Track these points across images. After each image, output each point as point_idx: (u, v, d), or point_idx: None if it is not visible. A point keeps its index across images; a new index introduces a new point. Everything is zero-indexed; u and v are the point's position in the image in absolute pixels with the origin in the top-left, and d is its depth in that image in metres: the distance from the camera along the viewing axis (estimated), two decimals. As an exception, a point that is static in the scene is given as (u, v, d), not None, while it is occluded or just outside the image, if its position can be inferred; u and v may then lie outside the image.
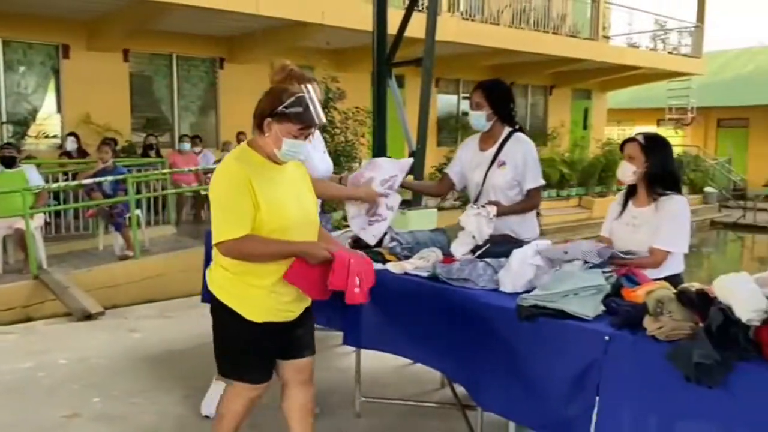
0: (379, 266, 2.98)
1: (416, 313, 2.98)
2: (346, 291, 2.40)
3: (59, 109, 11.11)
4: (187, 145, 10.60)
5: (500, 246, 3.08)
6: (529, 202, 3.55)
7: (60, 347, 4.95)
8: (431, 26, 6.15)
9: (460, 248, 3.19)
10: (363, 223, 3.47)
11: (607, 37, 17.81)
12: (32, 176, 7.24)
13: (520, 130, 3.59)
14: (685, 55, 18.95)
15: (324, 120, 2.46)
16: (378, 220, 3.38)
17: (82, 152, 10.05)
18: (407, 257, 3.24)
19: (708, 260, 14.36)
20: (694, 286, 2.27)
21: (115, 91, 11.37)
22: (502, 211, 3.34)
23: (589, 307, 2.39)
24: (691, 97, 21.00)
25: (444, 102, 16.41)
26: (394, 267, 3.11)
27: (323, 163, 3.43)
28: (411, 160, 3.71)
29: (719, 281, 2.15)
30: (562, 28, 15.80)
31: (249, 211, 2.33)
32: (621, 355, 2.22)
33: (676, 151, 19.57)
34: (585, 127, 19.65)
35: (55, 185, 8.09)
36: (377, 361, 3.81)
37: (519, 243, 3.05)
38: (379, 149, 6.74)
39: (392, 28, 6.58)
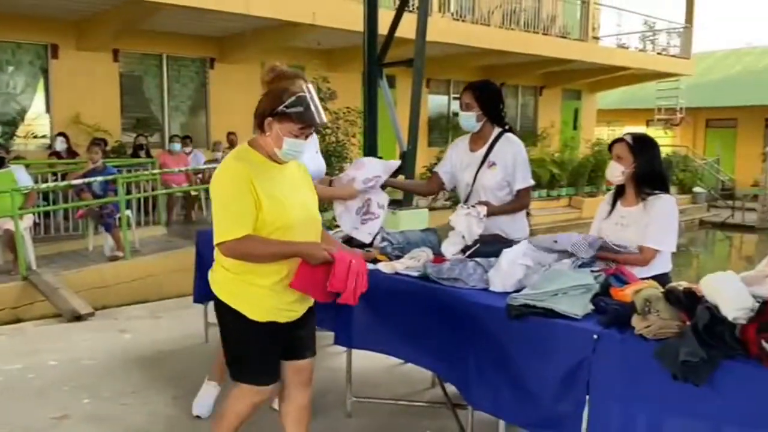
0: (370, 266, 2.99)
1: (407, 312, 2.99)
2: (344, 292, 2.39)
3: (48, 109, 11.04)
4: (177, 146, 10.56)
5: (490, 246, 3.11)
6: (518, 202, 3.57)
7: (50, 348, 4.93)
8: (422, 27, 6.17)
9: (450, 248, 3.21)
10: (355, 223, 3.50)
11: (596, 38, 17.90)
12: (21, 177, 7.20)
13: (510, 130, 3.61)
14: (674, 56, 19.07)
15: (325, 119, 2.46)
16: (371, 218, 3.44)
17: (71, 152, 10.00)
18: (398, 257, 3.26)
19: (697, 259, 14.46)
20: (681, 285, 2.30)
21: (105, 91, 11.32)
22: (492, 211, 3.37)
23: (578, 306, 2.42)
24: (680, 97, 21.14)
25: (435, 102, 16.43)
26: (385, 267, 3.13)
27: (312, 163, 3.44)
28: (397, 162, 3.74)
29: (706, 280, 2.18)
30: (552, 29, 15.87)
31: (250, 211, 2.33)
32: (609, 353, 2.24)
33: (666, 151, 19.73)
34: (575, 128, 19.75)
35: (44, 186, 8.05)
36: (368, 360, 3.82)
37: (509, 243, 3.08)
38: (370, 149, 6.74)
39: (383, 28, 6.59)
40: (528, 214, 3.70)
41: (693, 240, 16.53)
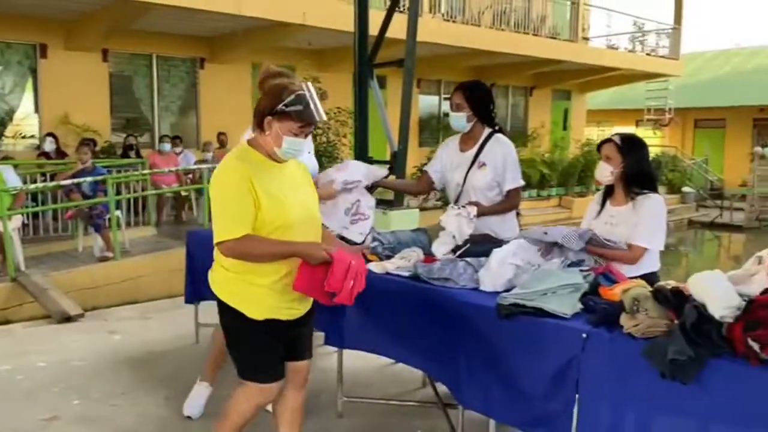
0: (361, 266, 3.00)
1: (398, 312, 3.00)
2: (340, 292, 2.37)
3: (37, 109, 10.97)
4: (167, 146, 10.52)
5: (480, 246, 3.12)
6: (508, 202, 3.59)
7: (39, 349, 4.90)
8: (412, 27, 6.19)
9: (440, 248, 3.23)
10: (344, 222, 3.53)
11: (586, 39, 17.97)
12: (9, 177, 7.15)
13: (500, 131, 3.62)
14: (663, 56, 19.19)
15: (324, 117, 2.46)
16: (361, 218, 3.48)
17: (60, 153, 9.94)
18: (389, 257, 3.27)
19: (686, 259, 14.55)
20: (669, 284, 2.32)
21: (95, 92, 11.26)
22: (483, 212, 3.38)
23: (567, 306, 2.43)
24: (669, 98, 21.26)
25: (425, 103, 16.45)
26: (375, 267, 3.14)
27: (308, 164, 3.46)
28: (384, 172, 3.74)
29: (694, 279, 2.20)
30: (542, 30, 15.92)
31: (249, 211, 2.33)
32: (598, 352, 2.26)
33: (655, 151, 19.86)
34: (565, 128, 19.83)
35: (32, 186, 8.00)
36: (359, 360, 3.83)
37: (499, 243, 3.09)
38: (361, 150, 6.76)
39: (373, 28, 6.60)
40: (518, 214, 3.72)
41: (682, 239, 16.63)
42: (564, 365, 2.34)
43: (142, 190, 9.32)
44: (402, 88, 6.35)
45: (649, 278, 2.75)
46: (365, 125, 6.77)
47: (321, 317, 3.20)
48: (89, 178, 7.78)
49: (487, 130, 3.58)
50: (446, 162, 3.72)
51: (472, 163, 3.55)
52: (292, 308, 2.51)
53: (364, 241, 3.47)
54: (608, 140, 3.13)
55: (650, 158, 3.34)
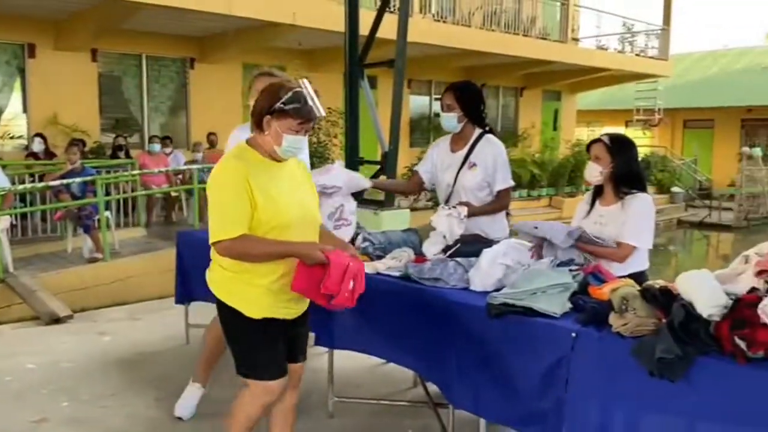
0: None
1: (388, 312, 3.01)
2: (338, 295, 2.36)
3: (25, 110, 10.89)
4: (157, 146, 10.47)
5: (470, 246, 3.14)
6: (498, 202, 3.60)
7: (28, 351, 4.87)
8: (403, 27, 6.20)
9: (431, 248, 3.24)
10: (328, 228, 3.53)
11: (576, 40, 18.05)
12: (-3, 178, 7.11)
13: (491, 131, 3.64)
14: (652, 57, 19.30)
15: (323, 112, 2.45)
16: (344, 224, 3.50)
17: (49, 153, 9.88)
18: (380, 257, 3.28)
19: (675, 258, 14.65)
20: (657, 283, 2.34)
21: (84, 92, 11.20)
22: (473, 212, 3.40)
23: (557, 305, 2.45)
24: (658, 98, 21.39)
25: (416, 103, 16.47)
26: (366, 267, 3.13)
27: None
28: (367, 183, 3.70)
29: (681, 278, 2.22)
30: (532, 31, 15.97)
31: (245, 211, 2.33)
32: (588, 351, 2.28)
33: (644, 151, 19.98)
34: (555, 128, 19.90)
35: (21, 187, 7.94)
36: (350, 361, 3.83)
37: (489, 243, 3.10)
38: (352, 150, 6.76)
39: (364, 29, 6.60)
40: (508, 214, 3.74)
41: (671, 239, 16.74)
42: (554, 364, 2.35)
43: (132, 190, 9.27)
44: (393, 88, 6.36)
45: (638, 277, 2.77)
46: (356, 125, 6.77)
47: (312, 318, 3.21)
48: (78, 179, 7.74)
49: (478, 131, 3.60)
50: (437, 162, 3.73)
51: (463, 163, 3.57)
52: (289, 308, 2.51)
53: (353, 242, 3.47)
54: (597, 140, 3.15)
55: (639, 158, 3.36)
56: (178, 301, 4.61)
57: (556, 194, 15.93)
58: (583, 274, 2.64)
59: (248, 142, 2.48)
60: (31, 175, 8.87)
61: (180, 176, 10.22)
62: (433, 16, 13.87)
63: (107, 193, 8.37)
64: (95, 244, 7.68)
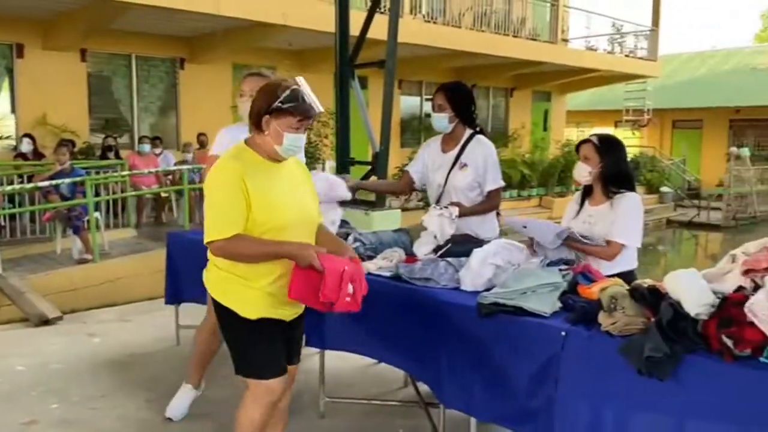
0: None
1: (379, 312, 3.01)
2: (338, 301, 2.34)
3: (13, 110, 10.81)
4: (146, 147, 10.43)
5: (461, 246, 3.15)
6: (489, 203, 3.62)
7: (17, 353, 4.84)
8: (393, 28, 6.20)
9: (422, 248, 3.26)
10: None
11: (565, 40, 18.12)
12: (-14, 179, 7.07)
13: (481, 132, 3.66)
14: (641, 58, 19.41)
15: (321, 108, 2.44)
16: None
17: (38, 154, 9.82)
18: (371, 257, 3.28)
19: (664, 257, 14.75)
20: (646, 282, 2.36)
21: (73, 92, 11.13)
22: (464, 212, 3.42)
23: (547, 304, 2.47)
24: (647, 99, 21.51)
25: (407, 103, 16.49)
26: (357, 267, 3.14)
27: None
28: (347, 195, 3.65)
29: (669, 277, 2.24)
30: (522, 31, 16.03)
31: (240, 211, 2.32)
32: (577, 350, 2.29)
33: (633, 152, 20.09)
34: (545, 129, 19.98)
35: (9, 188, 7.89)
36: (341, 361, 3.83)
37: (479, 243, 3.12)
38: (343, 150, 6.76)
39: (354, 29, 6.60)
40: (498, 214, 3.75)
41: (660, 239, 16.85)
42: (544, 363, 2.37)
43: (122, 191, 9.24)
44: (383, 88, 6.37)
45: (626, 276, 2.79)
46: (347, 126, 6.77)
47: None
48: (67, 180, 7.70)
49: (469, 131, 3.61)
50: (428, 162, 3.75)
51: (454, 163, 3.58)
52: (286, 309, 2.51)
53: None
54: (586, 141, 3.18)
55: (628, 158, 3.39)
56: (168, 302, 4.60)
57: (546, 194, 15.99)
58: (572, 273, 2.66)
59: (247, 142, 2.46)
60: (20, 175, 8.80)
61: (170, 177, 10.18)
62: (424, 16, 13.89)
63: (97, 194, 8.33)
64: (85, 245, 7.64)
